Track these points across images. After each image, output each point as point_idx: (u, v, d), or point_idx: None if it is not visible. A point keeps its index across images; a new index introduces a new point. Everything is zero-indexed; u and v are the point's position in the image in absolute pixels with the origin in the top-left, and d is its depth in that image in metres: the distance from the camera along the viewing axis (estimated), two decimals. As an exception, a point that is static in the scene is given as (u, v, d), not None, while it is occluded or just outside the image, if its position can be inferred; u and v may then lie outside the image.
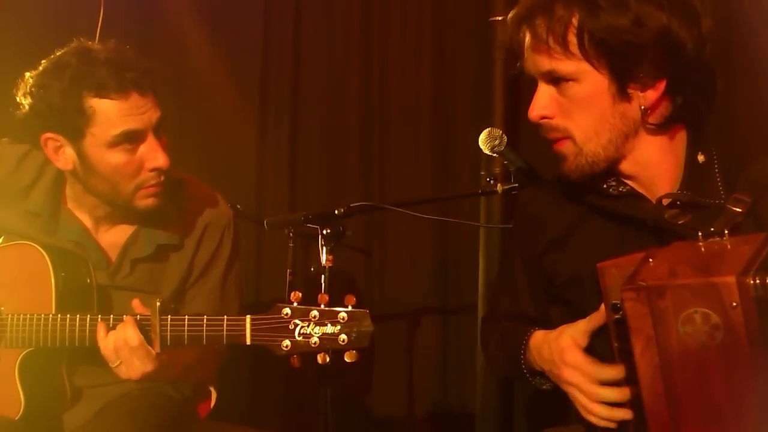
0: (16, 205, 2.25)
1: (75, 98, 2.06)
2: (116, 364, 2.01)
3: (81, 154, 2.12)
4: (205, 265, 2.34)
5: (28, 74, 2.12)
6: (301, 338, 1.87)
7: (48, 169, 2.26)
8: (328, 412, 2.57)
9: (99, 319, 2.05)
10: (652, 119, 1.77)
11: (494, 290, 2.27)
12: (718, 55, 1.80)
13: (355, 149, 4.02)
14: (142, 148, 2.12)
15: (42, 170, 2.28)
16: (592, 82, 1.72)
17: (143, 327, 1.99)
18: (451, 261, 3.82)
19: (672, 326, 1.43)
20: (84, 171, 2.16)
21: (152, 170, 2.14)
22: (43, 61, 2.13)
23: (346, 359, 1.88)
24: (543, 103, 1.80)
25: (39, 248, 2.16)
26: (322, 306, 1.89)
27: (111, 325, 2.03)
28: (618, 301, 1.57)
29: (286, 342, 1.88)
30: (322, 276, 2.53)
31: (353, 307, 1.88)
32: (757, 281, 1.37)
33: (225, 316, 1.94)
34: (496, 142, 2.20)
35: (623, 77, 1.72)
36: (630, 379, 1.60)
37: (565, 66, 1.72)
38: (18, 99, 2.13)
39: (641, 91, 1.74)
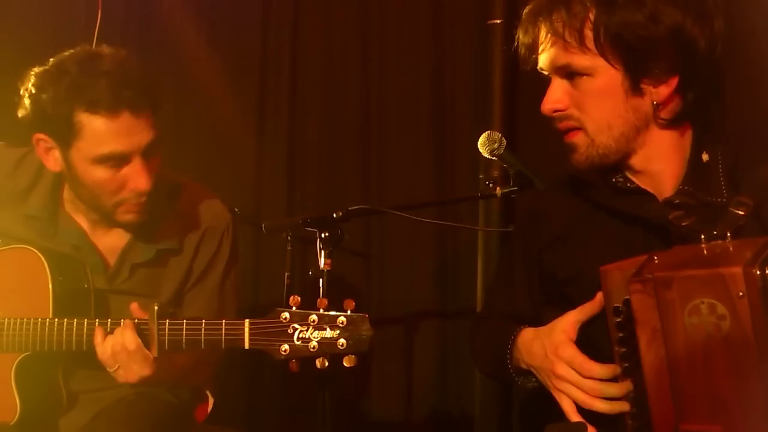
0: (14, 209, 2.24)
1: (66, 110, 2.04)
2: (114, 369, 2.01)
3: (67, 161, 2.12)
4: (204, 269, 2.34)
5: (33, 71, 2.10)
6: (299, 343, 1.87)
7: (46, 172, 2.25)
8: (327, 417, 2.56)
9: (96, 324, 2.04)
10: (663, 114, 1.80)
11: (489, 289, 2.27)
12: (725, 56, 1.81)
13: (353, 152, 4.00)
14: (127, 169, 2.10)
15: (40, 173, 2.27)
16: (606, 76, 1.76)
17: (141, 331, 1.99)
18: (450, 265, 3.80)
19: (678, 318, 1.45)
20: (69, 177, 2.16)
21: (133, 191, 2.13)
22: (50, 60, 2.11)
23: (344, 364, 1.87)
24: (556, 96, 1.82)
25: (36, 252, 2.16)
26: (321, 310, 1.88)
27: (108, 329, 2.02)
28: (620, 304, 1.58)
29: (285, 346, 1.87)
30: (321, 280, 2.52)
31: (352, 311, 1.87)
32: (766, 271, 1.39)
33: (223, 320, 1.93)
34: (495, 145, 2.20)
35: (637, 72, 1.75)
36: (631, 375, 1.60)
37: (580, 60, 1.75)
38: (20, 92, 2.12)
39: (654, 87, 1.77)
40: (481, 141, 2.21)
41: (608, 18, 1.71)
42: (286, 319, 1.88)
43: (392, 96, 3.94)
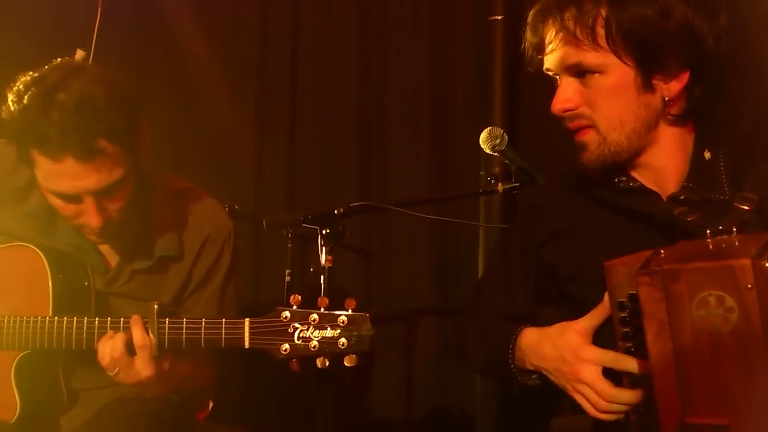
0: (14, 207, 2.23)
1: (22, 142, 2.02)
2: (114, 372, 2.01)
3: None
4: (204, 276, 2.33)
5: (10, 88, 2.04)
6: (300, 342, 1.87)
7: None
8: (328, 415, 2.56)
9: (96, 322, 2.04)
10: (672, 110, 1.81)
11: (482, 280, 2.25)
12: (728, 54, 1.83)
13: (353, 149, 4.00)
14: (79, 206, 2.07)
15: None
16: (618, 73, 1.76)
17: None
18: (451, 261, 3.80)
19: (686, 310, 1.44)
20: None
21: (87, 224, 2.10)
22: (22, 79, 2.03)
23: (345, 363, 1.87)
24: (567, 95, 1.81)
25: (36, 250, 2.15)
26: (322, 309, 1.88)
27: (108, 332, 2.02)
28: (624, 299, 1.58)
29: (286, 346, 1.87)
30: (322, 276, 2.51)
31: (353, 310, 1.87)
32: None
33: (223, 319, 1.93)
34: (497, 141, 2.20)
35: (649, 68, 1.75)
36: (642, 380, 1.60)
37: (592, 58, 1.75)
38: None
39: (664, 83, 1.78)
40: (483, 137, 2.20)
41: (620, 14, 1.72)
42: (286, 318, 1.88)
43: (392, 92, 3.94)
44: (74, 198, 2.04)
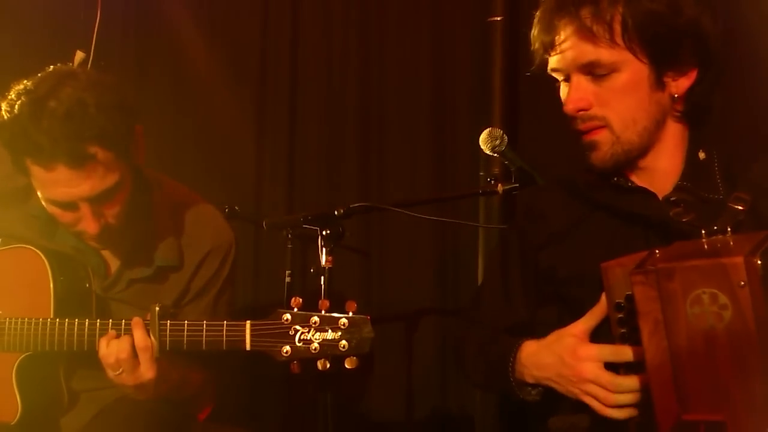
0: (15, 208, 2.24)
1: (16, 152, 2.02)
2: (117, 372, 2.01)
3: None
4: (201, 289, 2.33)
5: (5, 97, 2.04)
6: (301, 344, 1.87)
7: None
8: (329, 418, 2.56)
9: (98, 324, 2.05)
10: (678, 107, 1.83)
11: (482, 287, 2.25)
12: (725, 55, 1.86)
13: (353, 150, 4.01)
14: (76, 213, 2.08)
15: None
16: (632, 70, 1.77)
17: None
18: (450, 262, 3.81)
19: (680, 308, 1.46)
20: None
21: (85, 230, 2.11)
22: (14, 89, 2.03)
23: (346, 365, 1.88)
24: (579, 94, 1.81)
25: (38, 252, 2.16)
26: (323, 312, 1.89)
27: (110, 332, 2.02)
28: (621, 300, 1.60)
29: (287, 348, 1.88)
30: (322, 277, 2.52)
31: (354, 313, 1.87)
32: (765, 260, 1.41)
33: (225, 322, 1.94)
34: (497, 142, 2.20)
35: (661, 65, 1.77)
36: (636, 370, 1.61)
37: (609, 55, 1.76)
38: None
39: (674, 80, 1.80)
40: (483, 138, 2.21)
41: (635, 10, 1.73)
42: (287, 320, 1.89)
43: (392, 93, 3.95)
44: (70, 205, 2.05)
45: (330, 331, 1.86)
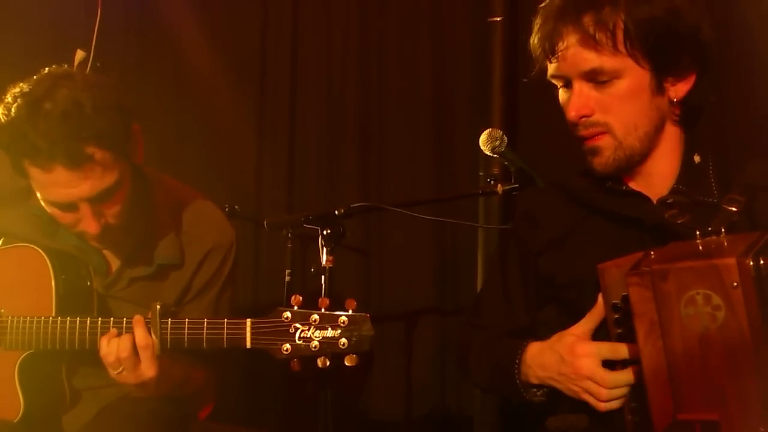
0: (17, 207, 2.25)
1: (14, 154, 2.04)
2: (118, 371, 2.02)
3: None
4: (203, 287, 2.34)
5: (4, 98, 2.06)
6: (301, 342, 1.88)
7: None
8: (329, 415, 2.57)
9: (99, 323, 2.06)
10: (677, 111, 1.84)
11: (483, 294, 2.26)
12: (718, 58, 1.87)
13: (353, 150, 4.02)
14: (76, 214, 2.09)
15: None
16: (634, 77, 1.78)
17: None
18: (449, 262, 3.83)
19: (675, 309, 1.48)
20: None
21: (85, 231, 2.13)
22: (12, 91, 2.04)
23: (346, 363, 1.89)
24: (582, 101, 1.81)
25: (39, 251, 2.17)
26: (323, 310, 1.89)
27: (111, 330, 2.03)
28: (618, 301, 1.61)
29: (287, 346, 1.89)
30: (323, 276, 2.52)
31: (354, 311, 1.88)
32: (760, 262, 1.44)
33: (225, 320, 1.95)
34: (497, 142, 2.20)
35: (662, 71, 1.78)
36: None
37: (611, 63, 1.76)
38: None
39: (673, 84, 1.81)
40: (483, 139, 2.21)
41: (636, 17, 1.73)
42: (287, 318, 1.89)
43: (392, 93, 3.97)
44: (69, 206, 2.06)
45: (330, 328, 1.87)
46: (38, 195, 2.09)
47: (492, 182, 2.49)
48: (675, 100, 1.82)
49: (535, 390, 1.87)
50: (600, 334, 1.74)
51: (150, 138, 2.32)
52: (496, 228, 3.47)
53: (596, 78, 1.78)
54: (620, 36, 1.74)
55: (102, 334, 2.04)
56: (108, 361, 2.02)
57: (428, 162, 3.87)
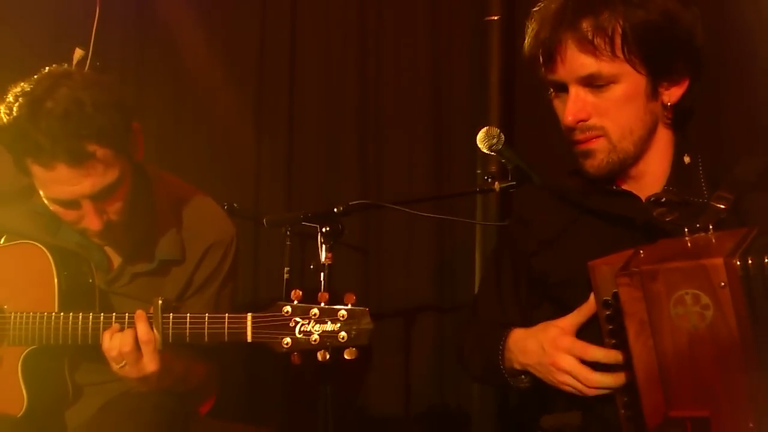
0: (19, 205, 2.27)
1: (17, 152, 2.06)
2: (120, 365, 2.05)
3: None
4: (204, 282, 2.37)
5: (5, 97, 2.08)
6: (301, 336, 1.91)
7: None
8: (329, 410, 2.58)
9: (102, 318, 2.08)
10: (669, 114, 1.86)
11: (478, 293, 2.29)
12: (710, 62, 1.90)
13: (351, 148, 4.03)
14: (78, 210, 2.12)
15: None
16: (630, 82, 1.79)
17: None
18: (447, 259, 3.84)
19: (664, 308, 1.50)
20: None
21: (88, 227, 2.15)
22: (13, 90, 2.07)
23: (345, 356, 1.91)
24: (579, 106, 1.82)
25: (42, 248, 2.18)
26: (323, 304, 1.92)
27: (113, 325, 2.06)
28: (609, 297, 1.63)
29: (287, 339, 1.91)
30: (322, 273, 2.54)
31: (353, 305, 1.91)
32: (748, 261, 1.46)
33: (226, 314, 1.97)
34: (494, 140, 2.22)
35: (658, 76, 1.80)
36: (623, 368, 1.65)
37: (609, 68, 1.77)
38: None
39: (667, 89, 1.82)
40: (480, 137, 2.22)
41: (633, 22, 1.74)
42: (288, 312, 1.92)
43: (390, 91, 3.98)
44: (72, 203, 2.09)
45: (330, 322, 1.90)
46: (41, 192, 2.11)
47: (489, 180, 2.50)
48: (668, 104, 1.84)
49: (521, 377, 1.91)
50: (591, 329, 1.76)
51: (148, 136, 2.35)
52: (494, 225, 3.49)
53: (593, 83, 1.79)
54: (618, 41, 1.75)
55: (104, 329, 2.07)
56: (111, 356, 2.04)
57: (426, 160, 3.88)
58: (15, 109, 2.01)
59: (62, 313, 2.12)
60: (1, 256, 2.26)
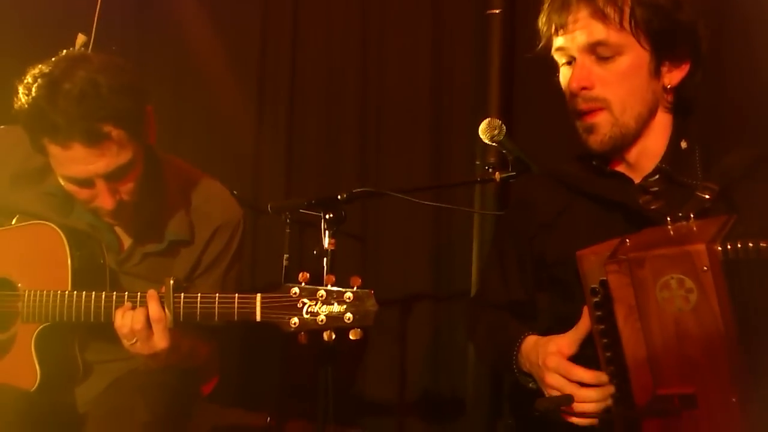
0: (34, 187, 2.32)
1: (33, 133, 2.12)
2: (132, 342, 2.10)
3: None
4: (212, 262, 2.42)
5: (20, 81, 2.13)
6: (308, 316, 1.97)
7: None
8: (329, 391, 2.64)
9: (114, 297, 2.14)
10: (670, 98, 1.94)
11: (483, 274, 2.36)
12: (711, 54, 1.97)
13: (352, 138, 4.06)
14: (92, 189, 2.17)
15: None
16: (634, 55, 1.88)
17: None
18: (445, 248, 3.87)
19: (651, 293, 1.58)
20: None
21: (101, 206, 2.20)
22: (31, 72, 2.12)
23: (350, 337, 1.99)
24: (584, 73, 1.90)
25: (56, 228, 2.24)
26: (329, 286, 1.99)
27: (126, 303, 2.12)
28: (596, 285, 1.69)
29: (294, 319, 1.98)
30: (325, 259, 2.59)
31: (358, 287, 1.99)
32: (728, 246, 1.53)
33: (236, 294, 2.03)
34: (496, 131, 2.27)
35: (661, 54, 1.89)
36: (610, 350, 1.71)
37: (617, 37, 1.86)
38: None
39: (669, 71, 1.91)
40: (482, 128, 2.28)
41: (643, 1, 1.85)
42: (295, 293, 1.98)
43: (391, 83, 4.00)
44: (86, 182, 2.14)
45: (336, 304, 1.97)
46: (56, 171, 2.16)
47: (490, 170, 2.56)
48: (669, 86, 1.92)
49: (529, 379, 1.97)
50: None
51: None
52: (492, 214, 3.52)
53: (600, 52, 1.88)
54: (627, 13, 1.85)
55: (117, 307, 2.12)
56: (122, 333, 2.10)
57: (425, 150, 3.91)
58: (34, 89, 2.06)
59: (75, 292, 2.18)
60: (15, 236, 2.31)
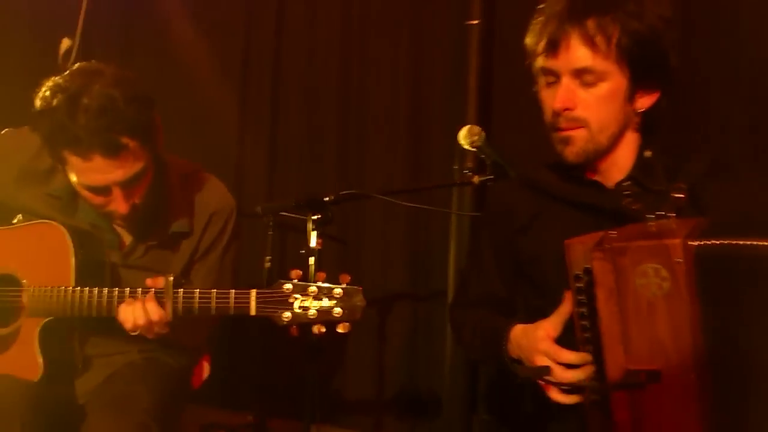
0: (39, 188, 2.43)
1: (54, 144, 2.23)
2: (135, 332, 2.23)
3: None
4: (208, 247, 2.55)
5: (38, 90, 2.24)
6: (300, 311, 2.10)
7: None
8: (315, 389, 2.75)
9: (116, 293, 2.25)
10: (638, 120, 2.09)
11: (462, 276, 2.48)
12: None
13: (333, 142, 4.14)
14: (108, 196, 2.29)
15: None
16: (615, 82, 2.00)
17: (159, 299, 2.21)
18: (423, 250, 3.94)
19: (630, 279, 1.73)
20: None
21: (115, 211, 2.32)
22: (48, 83, 2.23)
23: (339, 330, 2.12)
24: (569, 95, 2.01)
25: (61, 227, 2.35)
26: (320, 283, 2.12)
27: (127, 299, 2.24)
28: (580, 272, 1.83)
29: (287, 314, 2.10)
30: (312, 257, 2.68)
31: (347, 284, 2.12)
32: (700, 243, 1.69)
33: (232, 290, 2.16)
34: (476, 137, 2.37)
35: (637, 82, 2.02)
36: (589, 330, 1.85)
37: (603, 65, 1.98)
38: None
39: (641, 97, 2.05)
40: (463, 133, 2.36)
41: (628, 30, 1.96)
42: (288, 289, 2.11)
43: (372, 90, 4.08)
44: (104, 190, 2.26)
45: (326, 299, 2.10)
46: (74, 179, 2.27)
47: (469, 174, 2.65)
48: (639, 110, 2.06)
49: (517, 365, 2.07)
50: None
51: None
52: (470, 216, 3.60)
53: (584, 78, 2.00)
54: (614, 43, 1.96)
55: (119, 303, 2.24)
56: (126, 327, 2.23)
57: (405, 156, 3.97)
58: (54, 103, 2.18)
59: (78, 288, 2.28)
60: (21, 235, 2.42)
